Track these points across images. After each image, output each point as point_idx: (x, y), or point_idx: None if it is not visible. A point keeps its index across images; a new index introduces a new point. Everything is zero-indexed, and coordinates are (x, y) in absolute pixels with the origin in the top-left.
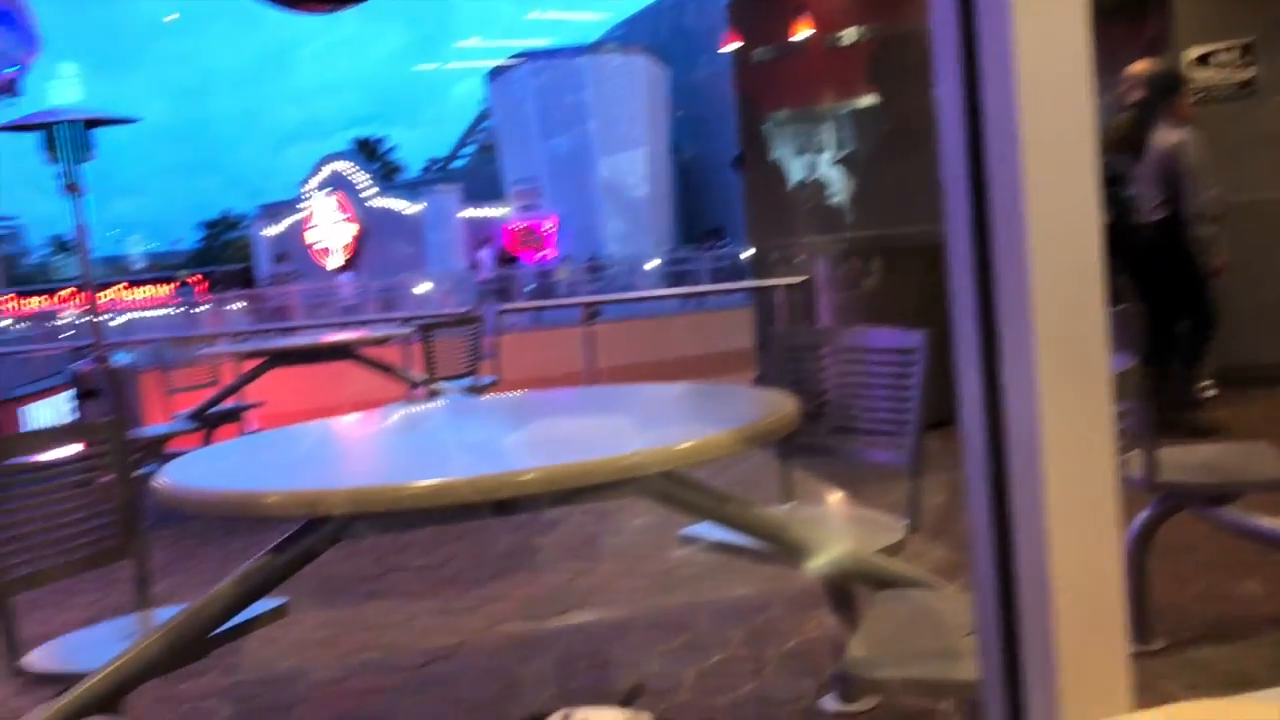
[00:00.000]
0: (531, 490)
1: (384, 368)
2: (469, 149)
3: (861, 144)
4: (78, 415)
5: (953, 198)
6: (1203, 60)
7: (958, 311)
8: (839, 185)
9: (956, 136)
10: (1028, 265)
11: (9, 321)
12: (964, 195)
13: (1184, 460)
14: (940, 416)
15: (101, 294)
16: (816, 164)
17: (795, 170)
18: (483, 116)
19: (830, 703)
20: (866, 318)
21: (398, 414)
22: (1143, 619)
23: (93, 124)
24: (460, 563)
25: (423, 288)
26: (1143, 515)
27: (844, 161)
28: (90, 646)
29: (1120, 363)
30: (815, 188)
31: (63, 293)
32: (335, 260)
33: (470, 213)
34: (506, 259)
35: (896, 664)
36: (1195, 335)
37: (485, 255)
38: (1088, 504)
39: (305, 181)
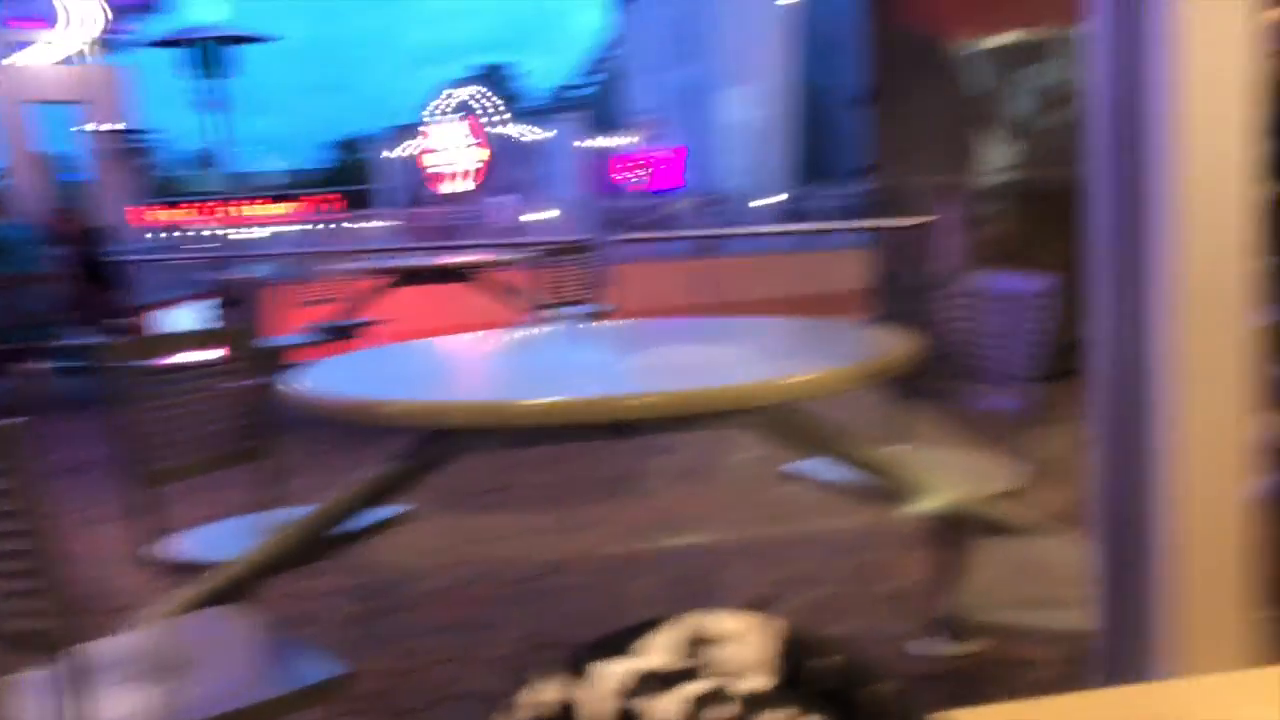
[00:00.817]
0: (645, 414)
1: (504, 291)
2: (596, 77)
3: (999, 83)
4: (216, 323)
5: (1096, 143)
6: None
7: (1093, 259)
8: (973, 124)
9: (1106, 82)
10: (1170, 217)
11: (151, 233)
12: (1109, 143)
13: None
14: (1064, 365)
15: (238, 208)
16: (949, 101)
17: (926, 106)
18: (611, 44)
19: (934, 645)
20: (992, 261)
21: (517, 335)
22: (1267, 581)
23: (232, 41)
24: (575, 482)
25: (544, 214)
26: (1273, 478)
27: (980, 100)
28: (221, 540)
29: (1270, 318)
30: (947, 126)
31: (201, 206)
32: (461, 186)
33: (594, 142)
34: (642, 189)
35: (1006, 609)
36: None
37: (626, 182)
38: (1215, 460)
39: (433, 106)
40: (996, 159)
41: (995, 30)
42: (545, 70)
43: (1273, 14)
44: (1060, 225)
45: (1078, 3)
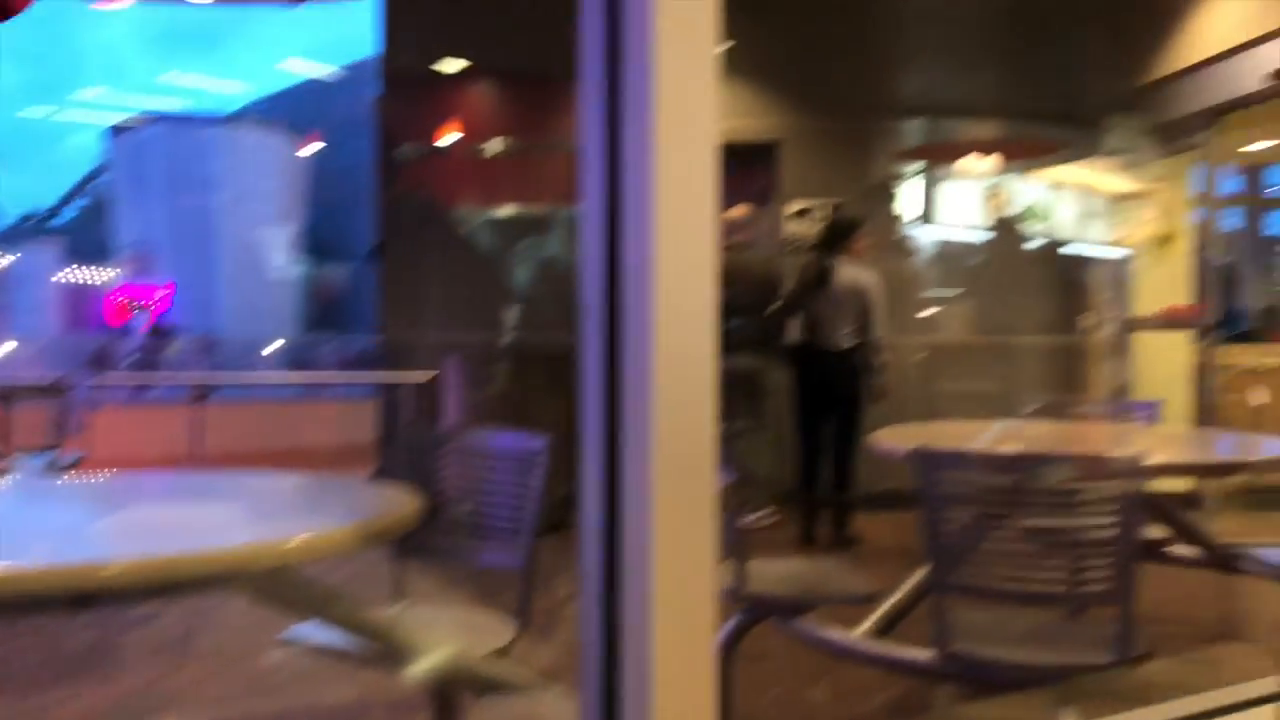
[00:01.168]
0: (116, 585)
1: None
2: (77, 204)
3: (502, 250)
4: None
5: (589, 316)
6: (798, 214)
7: (583, 421)
8: (478, 287)
9: (595, 259)
10: (651, 385)
11: None
12: (599, 315)
13: (768, 573)
14: (558, 520)
15: None
16: (457, 265)
17: (434, 268)
18: (97, 173)
19: None
20: (492, 419)
21: None
22: None
23: None
24: (24, 661)
25: (4, 348)
26: (729, 624)
27: (486, 265)
28: None
29: (723, 478)
30: (453, 287)
31: None
32: None
33: (72, 272)
34: (130, 325)
35: None
36: (851, 456)
37: (110, 317)
38: (690, 611)
39: None
40: (501, 321)
41: (497, 203)
42: (16, 192)
43: (729, 213)
44: (558, 387)
45: (574, 184)
